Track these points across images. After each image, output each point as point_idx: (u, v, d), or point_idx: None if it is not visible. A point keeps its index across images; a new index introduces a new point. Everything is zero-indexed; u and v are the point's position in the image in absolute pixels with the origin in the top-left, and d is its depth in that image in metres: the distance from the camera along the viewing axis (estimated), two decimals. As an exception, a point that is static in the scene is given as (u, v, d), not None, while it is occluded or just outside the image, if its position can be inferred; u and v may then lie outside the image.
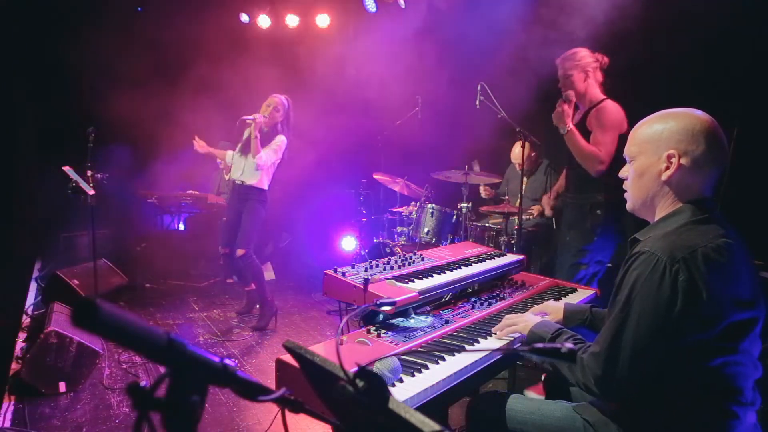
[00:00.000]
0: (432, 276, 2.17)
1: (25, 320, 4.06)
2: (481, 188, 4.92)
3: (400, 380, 1.50)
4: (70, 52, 5.66)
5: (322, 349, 1.67)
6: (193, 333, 4.28)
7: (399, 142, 5.69)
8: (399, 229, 4.97)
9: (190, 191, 6.09)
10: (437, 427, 0.69)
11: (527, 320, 1.77)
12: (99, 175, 4.20)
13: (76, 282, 4.16)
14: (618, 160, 2.99)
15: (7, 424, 2.73)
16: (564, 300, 2.36)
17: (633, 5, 3.65)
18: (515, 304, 2.27)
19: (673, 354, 1.33)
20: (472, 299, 2.27)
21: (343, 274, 2.04)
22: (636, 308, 1.34)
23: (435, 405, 1.50)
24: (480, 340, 1.83)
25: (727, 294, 1.31)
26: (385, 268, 2.19)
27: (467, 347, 1.76)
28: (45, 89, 5.93)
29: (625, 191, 1.59)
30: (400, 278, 2.07)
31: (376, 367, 1.37)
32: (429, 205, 4.54)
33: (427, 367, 1.58)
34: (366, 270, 2.13)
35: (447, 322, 1.97)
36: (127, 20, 6.25)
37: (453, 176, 4.50)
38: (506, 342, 1.81)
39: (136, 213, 6.20)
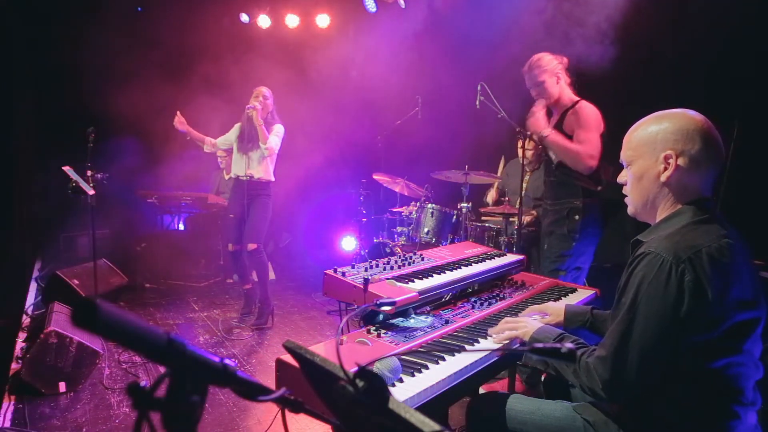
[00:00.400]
0: (432, 276, 2.17)
1: (25, 320, 4.06)
2: (490, 193, 4.87)
3: (400, 380, 1.49)
4: (70, 52, 5.66)
5: (322, 349, 1.67)
6: (193, 333, 4.28)
7: (399, 142, 5.69)
8: (399, 229, 4.97)
9: (190, 191, 6.09)
10: (437, 427, 0.69)
11: (527, 325, 1.74)
12: (99, 175, 4.20)
13: (76, 282, 4.17)
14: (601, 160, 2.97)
15: (7, 424, 2.73)
16: (564, 300, 2.36)
17: (634, 4, 3.65)
18: (515, 304, 2.26)
19: (677, 355, 1.33)
20: (472, 299, 2.27)
21: (343, 274, 2.04)
22: (642, 310, 1.34)
23: (435, 405, 1.50)
24: (480, 340, 1.83)
25: (730, 294, 1.31)
26: (385, 268, 2.19)
27: (467, 347, 1.75)
28: (45, 89, 5.94)
29: (625, 196, 1.59)
30: (400, 278, 2.07)
31: (376, 367, 1.37)
32: (429, 205, 4.54)
33: (427, 367, 1.58)
34: (366, 270, 2.13)
35: (447, 322, 1.97)
36: (128, 20, 6.25)
37: (453, 176, 4.50)
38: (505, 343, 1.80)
39: (136, 213, 6.20)
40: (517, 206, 3.91)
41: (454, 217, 4.48)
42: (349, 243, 5.86)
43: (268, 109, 4.38)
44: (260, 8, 6.42)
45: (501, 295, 2.35)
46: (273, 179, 4.48)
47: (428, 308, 2.13)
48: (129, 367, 3.49)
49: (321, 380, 0.95)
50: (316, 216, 7.08)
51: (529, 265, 3.61)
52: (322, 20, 6.47)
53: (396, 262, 2.28)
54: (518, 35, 4.17)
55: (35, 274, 5.22)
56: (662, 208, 1.49)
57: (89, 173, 4.12)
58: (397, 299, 1.81)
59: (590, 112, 2.97)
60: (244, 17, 6.55)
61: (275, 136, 4.31)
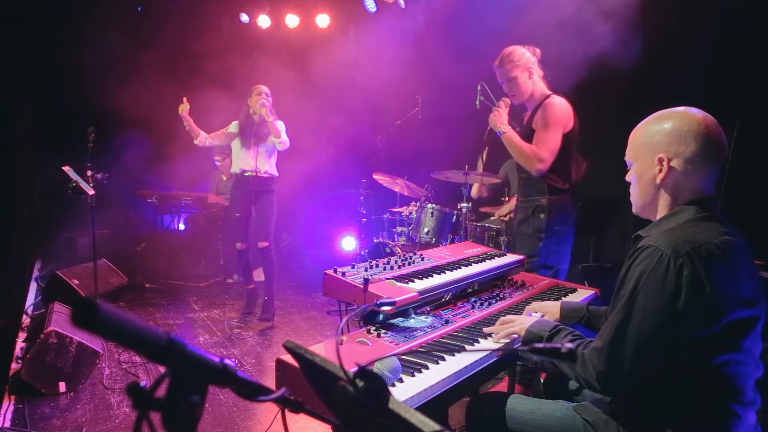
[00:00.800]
0: (432, 276, 2.17)
1: (25, 320, 4.06)
2: (475, 188, 4.89)
3: (400, 380, 1.49)
4: (70, 52, 5.67)
5: (322, 349, 1.67)
6: (193, 333, 4.28)
7: (399, 142, 5.69)
8: (399, 229, 4.97)
9: (189, 191, 6.10)
10: (437, 427, 0.69)
11: (523, 321, 1.76)
12: (99, 175, 4.20)
13: (76, 282, 4.17)
14: (564, 159, 2.89)
15: (7, 424, 2.73)
16: (563, 300, 2.36)
17: (634, 4, 3.66)
18: (515, 304, 2.26)
19: (676, 351, 1.33)
20: (472, 299, 2.27)
21: (343, 274, 2.03)
22: (640, 303, 1.34)
23: (435, 405, 1.50)
24: (480, 340, 1.83)
25: (729, 290, 1.31)
26: (385, 268, 2.19)
27: (467, 347, 1.75)
28: (45, 89, 5.94)
29: (630, 194, 1.60)
30: (400, 278, 2.07)
31: (376, 367, 1.37)
32: (429, 205, 4.54)
33: (427, 367, 1.58)
34: (366, 270, 2.13)
35: (447, 322, 1.97)
36: (128, 20, 6.25)
37: (453, 176, 4.50)
38: (505, 342, 1.80)
39: (136, 213, 6.20)
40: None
41: (454, 217, 4.48)
42: (349, 243, 5.86)
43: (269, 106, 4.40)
44: (260, 8, 6.42)
45: (501, 295, 2.35)
46: (277, 174, 4.52)
47: (428, 308, 2.13)
48: (129, 367, 3.49)
49: (321, 380, 0.95)
50: (316, 216, 7.08)
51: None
52: (322, 20, 6.47)
53: (396, 262, 2.28)
54: (518, 35, 4.17)
55: (35, 274, 5.22)
56: (662, 207, 1.50)
57: (89, 173, 4.12)
58: (397, 299, 1.81)
59: (555, 110, 2.86)
60: (244, 17, 6.55)
61: (283, 132, 4.34)
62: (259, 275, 5.21)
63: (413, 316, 2.02)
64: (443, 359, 1.65)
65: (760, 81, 3.36)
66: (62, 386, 3.05)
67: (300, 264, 6.70)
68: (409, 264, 2.29)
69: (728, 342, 1.33)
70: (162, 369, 0.72)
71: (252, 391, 0.83)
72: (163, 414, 0.69)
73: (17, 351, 3.42)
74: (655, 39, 3.72)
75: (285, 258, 6.81)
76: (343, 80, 6.33)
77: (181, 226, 6.44)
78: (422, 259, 2.39)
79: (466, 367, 1.62)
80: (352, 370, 0.80)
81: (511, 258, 2.66)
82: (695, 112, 1.44)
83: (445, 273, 2.24)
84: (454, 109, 5.20)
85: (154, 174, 6.23)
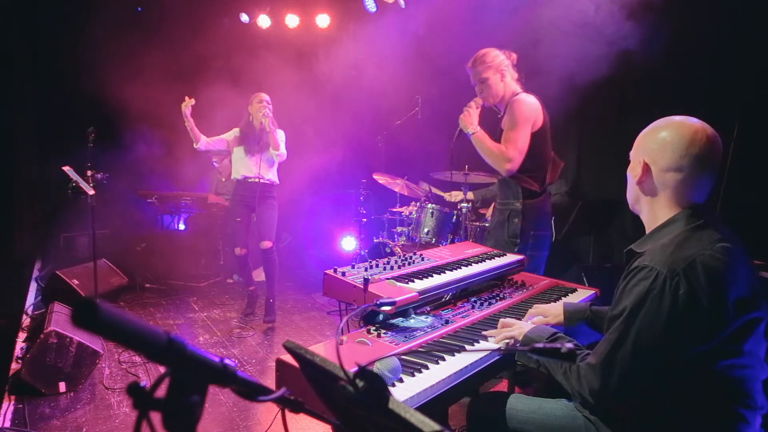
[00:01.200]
0: (432, 276, 2.17)
1: (25, 320, 4.06)
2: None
3: (400, 380, 1.49)
4: (70, 51, 5.67)
5: (322, 349, 1.67)
6: (193, 333, 4.28)
7: (399, 142, 5.68)
8: (399, 229, 4.97)
9: (190, 191, 6.10)
10: (437, 427, 0.69)
11: (522, 326, 1.76)
12: (99, 175, 4.20)
13: (76, 282, 4.17)
14: (536, 160, 2.84)
15: (7, 424, 2.73)
16: (564, 300, 2.36)
17: (634, 4, 3.65)
18: (515, 305, 2.26)
19: (677, 365, 1.33)
20: (472, 299, 2.27)
21: (343, 274, 2.03)
22: (636, 323, 1.34)
23: (435, 405, 1.50)
24: (480, 340, 1.83)
25: (728, 299, 1.30)
26: (385, 268, 2.19)
27: (467, 347, 1.75)
28: (45, 89, 5.94)
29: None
30: (400, 278, 2.07)
31: (376, 367, 1.37)
32: (429, 205, 4.54)
33: (427, 367, 1.58)
34: (366, 270, 2.13)
35: (447, 322, 1.97)
36: (127, 20, 6.25)
37: (453, 176, 4.49)
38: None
39: (136, 213, 6.20)
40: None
41: (454, 217, 4.48)
42: (349, 243, 5.86)
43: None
44: (260, 8, 6.42)
45: (501, 295, 2.35)
46: (278, 182, 4.56)
47: (428, 308, 2.13)
48: (129, 367, 3.50)
49: (321, 380, 0.95)
50: (316, 216, 7.08)
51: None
52: (322, 20, 6.47)
53: (396, 262, 2.28)
54: (518, 35, 4.17)
55: (35, 274, 5.21)
56: (644, 209, 1.54)
57: (89, 173, 4.13)
58: (397, 299, 1.80)
59: (521, 107, 2.80)
60: (244, 17, 6.55)
61: (282, 143, 4.34)
62: (258, 275, 5.22)
63: (413, 316, 2.02)
64: (443, 359, 1.65)
65: (760, 81, 3.36)
66: (62, 386, 3.05)
67: (300, 264, 6.70)
68: (409, 264, 2.29)
69: (729, 347, 1.33)
70: (162, 369, 0.72)
71: (252, 391, 0.83)
72: (163, 414, 0.69)
73: (17, 351, 3.42)
74: (655, 39, 3.71)
75: (285, 258, 6.81)
76: (343, 80, 6.32)
77: (181, 226, 6.44)
78: (422, 259, 2.39)
79: (466, 367, 1.62)
80: (352, 370, 0.80)
81: (511, 258, 2.66)
82: (690, 125, 1.43)
83: (445, 273, 2.24)
84: (455, 109, 5.20)
85: (154, 174, 6.23)
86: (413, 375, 1.53)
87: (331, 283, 2.01)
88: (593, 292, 2.51)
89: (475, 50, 2.99)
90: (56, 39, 5.83)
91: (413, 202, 4.86)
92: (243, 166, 4.43)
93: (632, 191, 1.56)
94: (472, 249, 2.70)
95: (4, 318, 3.93)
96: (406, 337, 1.79)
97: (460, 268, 2.34)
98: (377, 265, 2.21)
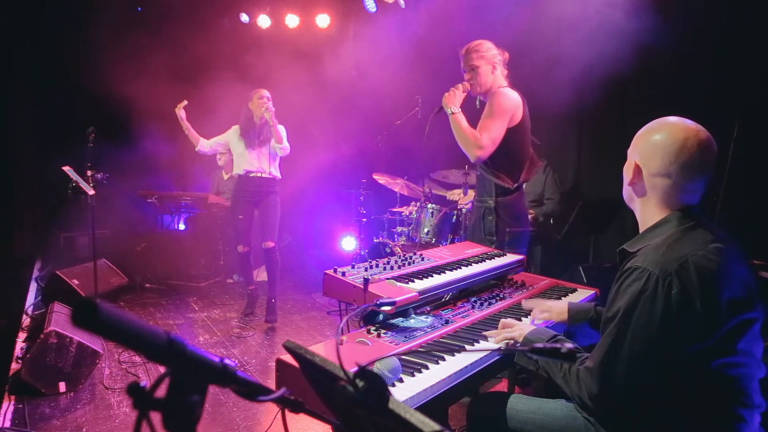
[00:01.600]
0: (432, 276, 2.17)
1: (25, 320, 4.06)
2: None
3: (400, 380, 1.49)
4: (71, 52, 5.67)
5: (322, 349, 1.67)
6: (193, 333, 4.28)
7: (399, 142, 5.68)
8: (399, 229, 4.97)
9: (190, 191, 6.10)
10: (437, 427, 0.69)
11: (522, 327, 1.76)
12: (99, 175, 4.20)
13: (76, 282, 4.17)
14: (511, 156, 2.83)
15: (7, 424, 2.73)
16: (564, 300, 2.36)
17: (633, 4, 3.65)
18: (515, 305, 2.26)
19: (672, 365, 1.33)
20: (472, 299, 2.27)
21: (343, 274, 2.03)
22: (630, 325, 1.34)
23: (435, 405, 1.50)
24: (480, 340, 1.83)
25: (721, 299, 1.30)
26: (385, 268, 2.19)
27: (467, 347, 1.75)
28: (45, 89, 5.94)
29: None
30: (400, 278, 2.07)
31: (376, 367, 1.37)
32: (429, 205, 4.54)
33: (427, 367, 1.58)
34: (366, 270, 2.13)
35: (447, 322, 1.97)
36: (128, 20, 6.25)
37: (453, 176, 4.49)
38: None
39: (136, 213, 6.20)
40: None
41: (454, 217, 4.48)
42: (349, 243, 5.86)
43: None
44: (260, 8, 6.42)
45: (501, 295, 2.35)
46: (280, 177, 4.56)
47: (428, 308, 2.13)
48: (129, 367, 3.49)
49: (321, 380, 0.95)
50: (316, 216, 7.08)
51: (529, 265, 3.61)
52: (322, 20, 6.47)
53: (396, 262, 2.28)
54: (518, 35, 4.17)
55: (35, 274, 5.22)
56: (637, 208, 1.56)
57: (89, 173, 4.13)
58: (397, 299, 1.81)
59: (500, 99, 2.80)
60: (244, 17, 6.55)
61: (285, 138, 4.35)
62: (258, 275, 5.22)
63: (413, 316, 2.02)
64: (443, 359, 1.65)
65: (760, 81, 3.36)
66: (62, 386, 3.05)
67: (300, 264, 6.70)
68: (409, 264, 2.29)
69: (723, 346, 1.33)
70: (162, 369, 0.72)
71: (252, 391, 0.83)
72: (163, 414, 0.69)
73: (17, 351, 3.42)
74: (655, 39, 3.72)
75: (285, 258, 6.80)
76: (344, 80, 6.33)
77: (181, 226, 6.44)
78: (422, 259, 2.39)
79: (466, 367, 1.62)
80: (352, 370, 0.80)
81: (511, 258, 2.66)
82: (680, 131, 1.43)
83: (445, 273, 2.24)
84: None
85: (154, 174, 6.23)
86: (413, 375, 1.53)
87: (331, 283, 2.01)
88: (593, 292, 2.51)
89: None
90: (56, 39, 5.83)
91: (413, 202, 4.86)
92: (245, 161, 4.42)
93: (626, 190, 1.59)
94: (472, 249, 2.70)
95: (4, 318, 3.93)
96: (406, 337, 1.79)
97: (460, 268, 2.34)
98: (377, 265, 2.21)
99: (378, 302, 1.76)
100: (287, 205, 6.19)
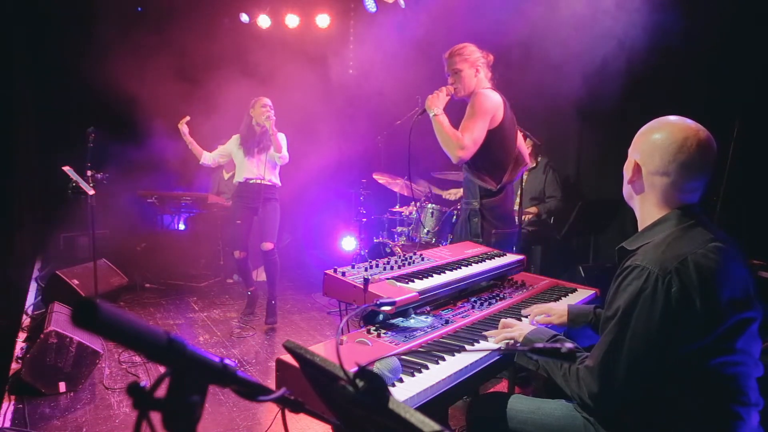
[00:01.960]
0: (432, 276, 2.17)
1: (25, 320, 4.06)
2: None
3: (400, 380, 1.49)
4: (71, 51, 5.66)
5: (322, 349, 1.67)
6: (193, 333, 4.28)
7: (399, 142, 5.68)
8: (399, 229, 4.97)
9: (190, 191, 6.09)
10: (437, 427, 0.69)
11: (522, 327, 1.76)
12: (99, 175, 4.20)
13: (76, 282, 4.17)
14: (493, 157, 2.83)
15: (7, 424, 2.73)
16: (564, 300, 2.36)
17: (633, 4, 3.65)
18: (515, 304, 2.26)
19: (670, 364, 1.33)
20: (472, 299, 2.27)
21: (343, 274, 2.03)
22: (630, 324, 1.34)
23: (435, 405, 1.50)
24: (480, 340, 1.83)
25: (721, 298, 1.31)
26: (385, 268, 2.19)
27: (467, 347, 1.75)
28: (45, 89, 5.94)
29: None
30: (400, 278, 2.07)
31: (376, 367, 1.37)
32: (429, 205, 4.54)
33: (427, 367, 1.58)
34: (366, 270, 2.13)
35: (447, 322, 1.97)
36: (127, 20, 6.25)
37: (453, 176, 4.50)
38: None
39: (136, 213, 6.20)
40: (516, 206, 3.90)
41: (454, 217, 4.48)
42: (349, 243, 5.86)
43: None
44: (260, 8, 6.42)
45: (501, 295, 2.35)
46: (280, 184, 4.58)
47: (428, 308, 2.13)
48: (129, 367, 3.49)
49: (321, 380, 0.95)
50: (316, 216, 7.08)
51: (529, 265, 3.61)
52: (322, 20, 6.46)
53: (396, 262, 2.28)
54: (518, 35, 4.17)
55: (35, 274, 5.22)
56: (636, 206, 1.56)
57: (89, 173, 4.13)
58: (397, 299, 1.81)
59: (481, 100, 2.80)
60: (244, 17, 6.54)
61: (284, 147, 4.35)
62: (258, 275, 5.22)
63: (413, 316, 2.02)
64: (443, 359, 1.65)
65: (760, 81, 3.36)
66: (62, 386, 3.05)
67: (300, 264, 6.70)
68: (409, 264, 2.29)
69: (721, 345, 1.33)
70: (162, 369, 0.72)
71: (252, 391, 0.83)
72: (163, 414, 0.69)
73: (17, 351, 3.42)
74: (654, 39, 3.72)
75: (285, 258, 6.80)
76: (344, 80, 6.32)
77: (181, 226, 6.44)
78: (422, 259, 2.39)
79: (466, 367, 1.62)
80: (352, 370, 0.80)
81: (511, 258, 2.66)
82: (680, 130, 1.43)
83: (445, 273, 2.24)
84: (454, 109, 5.20)
85: (154, 174, 6.23)
86: (413, 375, 1.53)
87: (331, 283, 2.01)
88: (593, 292, 2.51)
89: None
90: (56, 39, 5.83)
91: (413, 202, 4.86)
92: (244, 168, 4.44)
93: (625, 188, 1.59)
94: (472, 249, 2.70)
95: (4, 318, 3.92)
96: (406, 337, 1.79)
97: (460, 268, 2.34)
98: (377, 265, 2.21)
99: (378, 302, 1.76)
100: (287, 205, 6.20)
